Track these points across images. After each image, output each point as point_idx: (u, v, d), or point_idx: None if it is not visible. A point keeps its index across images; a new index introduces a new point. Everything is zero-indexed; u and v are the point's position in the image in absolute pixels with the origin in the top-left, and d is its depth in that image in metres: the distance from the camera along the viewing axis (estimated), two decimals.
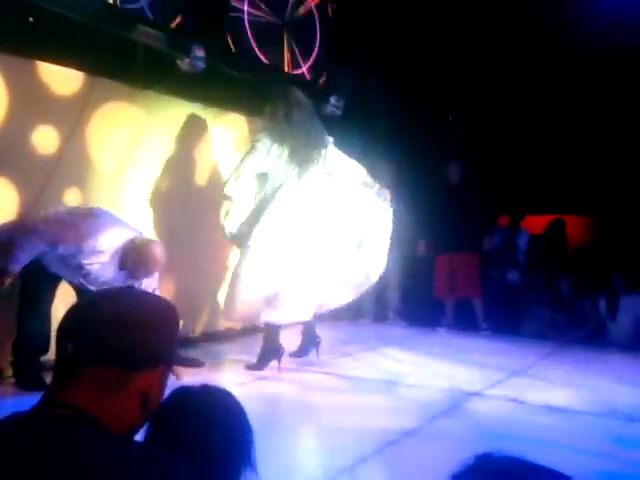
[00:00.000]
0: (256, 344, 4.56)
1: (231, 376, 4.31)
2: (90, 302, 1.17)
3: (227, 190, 4.29)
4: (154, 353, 1.08)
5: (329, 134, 5.96)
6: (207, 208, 5.17)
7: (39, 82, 3.99)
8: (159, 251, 3.66)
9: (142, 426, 1.12)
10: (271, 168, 4.29)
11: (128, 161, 4.58)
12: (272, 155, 4.29)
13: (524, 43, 6.58)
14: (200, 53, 4.79)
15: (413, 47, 6.84)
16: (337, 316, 6.42)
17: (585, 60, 6.58)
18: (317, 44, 6.13)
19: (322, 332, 4.88)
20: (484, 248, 6.20)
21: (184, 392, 1.20)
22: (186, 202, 5.05)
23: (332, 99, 6.21)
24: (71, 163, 4.15)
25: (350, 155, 6.38)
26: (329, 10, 6.22)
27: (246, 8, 5.43)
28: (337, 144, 6.27)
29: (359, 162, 5.64)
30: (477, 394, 4.09)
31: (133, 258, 3.60)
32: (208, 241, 5.09)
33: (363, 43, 6.45)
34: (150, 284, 3.76)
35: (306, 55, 6.09)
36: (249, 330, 5.17)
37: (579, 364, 5.07)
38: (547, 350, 5.54)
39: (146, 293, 1.29)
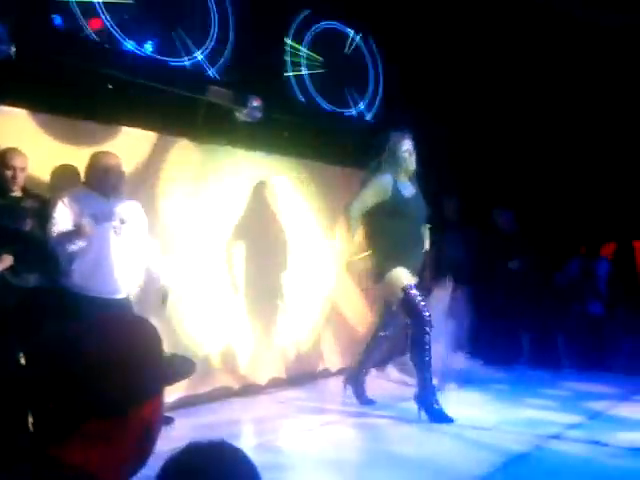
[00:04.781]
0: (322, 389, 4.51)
1: (298, 422, 4.28)
2: (62, 346, 1.01)
3: (351, 212, 4.28)
4: (145, 388, 1.01)
5: None
6: (280, 255, 5.22)
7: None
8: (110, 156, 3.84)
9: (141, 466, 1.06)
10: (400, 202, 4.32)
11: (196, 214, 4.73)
12: (396, 191, 4.31)
13: None
14: (256, 103, 4.91)
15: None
16: None
17: None
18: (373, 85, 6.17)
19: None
20: (557, 281, 5.90)
21: (194, 448, 1.13)
22: (261, 249, 5.11)
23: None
24: None
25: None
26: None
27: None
28: None
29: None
30: (555, 437, 3.85)
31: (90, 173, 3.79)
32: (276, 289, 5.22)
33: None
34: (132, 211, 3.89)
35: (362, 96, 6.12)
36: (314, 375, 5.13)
37: None
38: (636, 387, 5.16)
39: (106, 322, 1.09)
